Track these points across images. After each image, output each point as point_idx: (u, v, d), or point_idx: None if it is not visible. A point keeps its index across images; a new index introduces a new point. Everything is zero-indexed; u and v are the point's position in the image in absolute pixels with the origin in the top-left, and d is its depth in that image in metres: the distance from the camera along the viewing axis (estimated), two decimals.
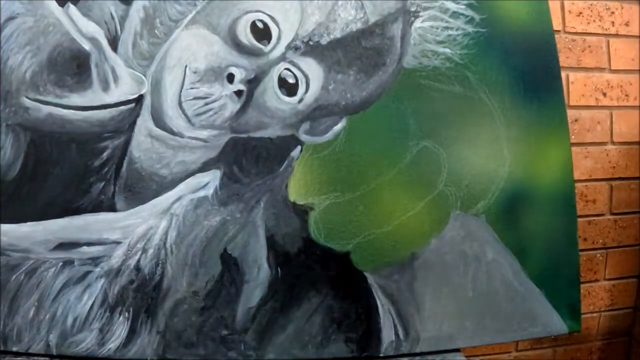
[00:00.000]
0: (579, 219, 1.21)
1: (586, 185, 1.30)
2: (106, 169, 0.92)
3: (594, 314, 1.39)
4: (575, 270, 1.09)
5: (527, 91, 1.05)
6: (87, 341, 0.91)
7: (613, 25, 1.33)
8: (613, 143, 1.32)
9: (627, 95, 1.34)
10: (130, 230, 0.93)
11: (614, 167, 1.33)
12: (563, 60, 1.21)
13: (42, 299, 0.90)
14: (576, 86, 1.28)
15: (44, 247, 0.90)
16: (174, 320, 0.93)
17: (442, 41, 1.01)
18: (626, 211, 1.36)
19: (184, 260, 0.94)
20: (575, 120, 1.28)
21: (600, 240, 1.34)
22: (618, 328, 1.42)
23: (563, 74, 1.16)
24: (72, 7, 0.90)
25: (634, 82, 1.35)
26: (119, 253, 0.92)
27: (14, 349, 0.90)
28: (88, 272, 0.91)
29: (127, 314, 0.91)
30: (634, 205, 1.37)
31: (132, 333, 0.92)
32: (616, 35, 1.33)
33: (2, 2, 0.89)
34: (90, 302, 0.91)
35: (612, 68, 1.33)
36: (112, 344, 0.91)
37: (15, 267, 0.90)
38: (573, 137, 1.24)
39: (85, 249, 0.91)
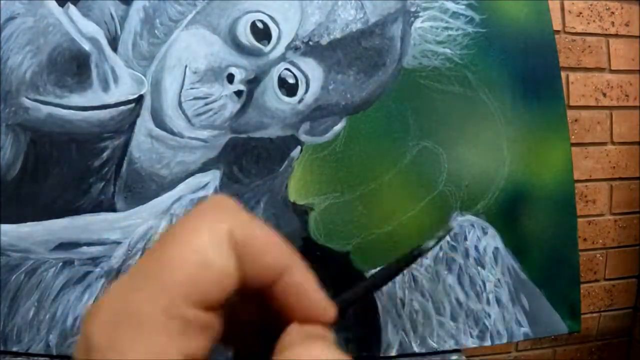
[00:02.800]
0: (579, 219, 1.21)
1: (586, 186, 1.30)
2: (106, 169, 0.92)
3: (594, 314, 1.39)
4: (575, 270, 1.09)
5: (527, 91, 1.06)
6: None
7: (613, 26, 1.33)
8: (613, 143, 1.32)
9: (627, 96, 1.34)
10: (131, 231, 0.92)
11: (613, 167, 1.33)
12: (563, 61, 1.21)
13: (42, 299, 0.90)
14: (576, 86, 1.28)
15: (44, 247, 0.90)
16: None
17: (442, 41, 1.01)
18: (626, 211, 1.36)
19: None
20: (575, 121, 1.28)
21: (600, 241, 1.34)
22: (618, 328, 1.42)
23: (563, 74, 1.16)
24: (72, 7, 0.90)
25: (634, 83, 1.35)
26: (119, 253, 0.92)
27: (14, 349, 0.90)
28: (88, 272, 0.91)
29: None
30: (634, 205, 1.37)
31: None
32: (616, 35, 1.33)
33: (2, 2, 0.89)
34: (90, 302, 0.91)
35: (612, 68, 1.33)
36: None
37: (15, 267, 0.90)
38: (573, 137, 1.24)
39: (85, 249, 0.91)
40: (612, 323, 1.42)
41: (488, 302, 1.03)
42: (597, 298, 1.38)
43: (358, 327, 0.98)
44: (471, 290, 1.02)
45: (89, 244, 0.91)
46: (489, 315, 1.03)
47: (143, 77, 0.92)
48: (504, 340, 1.04)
